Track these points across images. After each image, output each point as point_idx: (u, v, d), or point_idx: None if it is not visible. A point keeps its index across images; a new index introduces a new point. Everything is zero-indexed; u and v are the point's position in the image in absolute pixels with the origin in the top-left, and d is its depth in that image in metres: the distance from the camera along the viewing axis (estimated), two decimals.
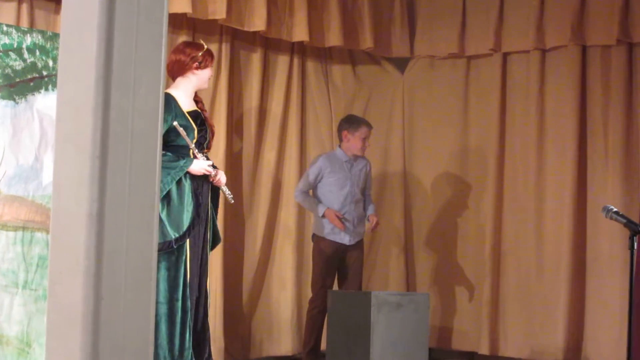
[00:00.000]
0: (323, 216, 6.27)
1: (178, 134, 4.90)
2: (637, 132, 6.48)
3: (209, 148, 5.18)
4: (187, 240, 4.86)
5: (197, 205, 4.90)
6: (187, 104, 5.07)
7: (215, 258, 6.16)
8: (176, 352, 4.72)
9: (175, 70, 5.08)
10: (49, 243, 2.24)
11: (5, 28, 4.96)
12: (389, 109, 7.41)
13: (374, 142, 6.78)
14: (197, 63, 5.05)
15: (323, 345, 6.19)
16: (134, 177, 2.21)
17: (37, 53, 5.02)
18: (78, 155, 2.16)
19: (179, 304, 4.75)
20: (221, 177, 5.05)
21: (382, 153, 7.31)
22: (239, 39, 6.73)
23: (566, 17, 6.60)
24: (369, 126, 6.42)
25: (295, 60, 7.04)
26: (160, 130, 2.29)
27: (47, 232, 4.88)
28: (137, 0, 2.22)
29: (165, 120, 4.75)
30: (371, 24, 7.10)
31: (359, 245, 6.42)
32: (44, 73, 5.03)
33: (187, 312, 4.79)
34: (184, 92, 5.08)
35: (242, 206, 6.70)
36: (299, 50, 7.05)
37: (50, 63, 5.04)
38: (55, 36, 5.07)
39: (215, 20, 6.35)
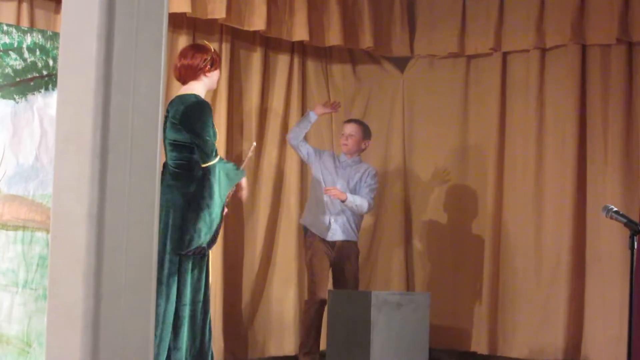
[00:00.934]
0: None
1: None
2: (637, 131, 6.48)
3: None
4: None
5: (222, 210, 4.89)
6: None
7: (216, 258, 6.16)
8: (196, 352, 4.75)
9: (188, 75, 4.97)
10: (49, 242, 2.25)
11: (5, 27, 4.96)
12: (389, 108, 7.41)
13: (374, 142, 6.77)
14: (209, 66, 5.00)
15: (323, 345, 6.19)
16: (134, 177, 2.21)
17: (38, 52, 5.02)
18: (78, 155, 2.16)
19: (201, 305, 4.77)
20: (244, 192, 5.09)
21: (382, 152, 7.31)
22: (239, 39, 6.73)
23: (566, 16, 6.61)
24: (352, 123, 6.47)
25: (296, 60, 7.04)
26: (160, 130, 2.29)
27: (47, 231, 4.88)
28: (137, 0, 2.22)
29: (213, 132, 4.78)
30: (371, 23, 7.10)
31: (346, 245, 6.35)
32: (44, 72, 5.04)
33: (208, 312, 4.82)
34: (200, 95, 5.05)
35: (243, 206, 6.70)
36: (299, 49, 7.05)
37: (51, 62, 5.04)
38: (55, 36, 5.07)
39: (215, 20, 6.36)
